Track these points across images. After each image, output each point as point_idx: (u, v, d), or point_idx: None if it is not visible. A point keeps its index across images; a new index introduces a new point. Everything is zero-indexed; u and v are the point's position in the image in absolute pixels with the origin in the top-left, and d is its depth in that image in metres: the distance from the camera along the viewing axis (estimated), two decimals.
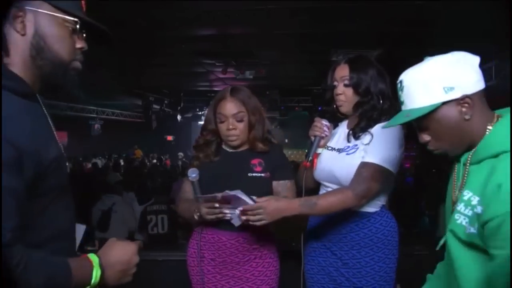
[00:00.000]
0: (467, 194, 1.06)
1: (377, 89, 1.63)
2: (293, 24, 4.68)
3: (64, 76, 1.04)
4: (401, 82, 1.12)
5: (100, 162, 11.48)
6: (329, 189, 1.69)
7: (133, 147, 14.22)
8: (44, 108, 1.06)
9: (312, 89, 9.93)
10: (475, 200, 1.02)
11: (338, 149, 1.69)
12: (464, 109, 1.04)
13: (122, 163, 10.35)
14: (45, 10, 0.99)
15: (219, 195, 1.52)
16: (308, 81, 8.88)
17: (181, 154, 13.98)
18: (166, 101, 11.50)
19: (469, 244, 1.04)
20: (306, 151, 1.80)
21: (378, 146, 1.58)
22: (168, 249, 3.18)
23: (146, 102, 10.80)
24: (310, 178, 1.75)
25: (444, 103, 1.05)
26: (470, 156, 1.10)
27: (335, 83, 1.68)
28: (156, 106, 11.29)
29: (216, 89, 9.75)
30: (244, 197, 1.48)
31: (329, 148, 1.73)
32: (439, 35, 4.69)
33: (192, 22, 4.68)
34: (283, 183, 1.73)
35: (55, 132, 1.08)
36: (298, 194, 1.74)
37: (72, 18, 1.01)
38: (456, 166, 1.17)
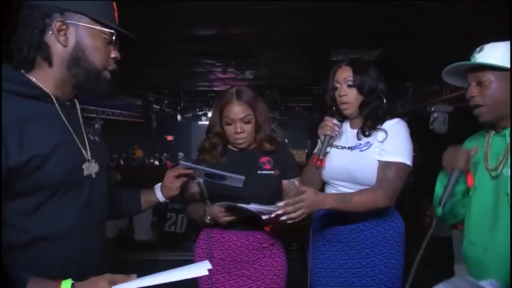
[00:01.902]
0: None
1: (379, 88, 1.66)
2: (293, 24, 4.67)
3: (96, 83, 1.12)
4: (482, 47, 1.34)
5: None
6: (340, 188, 1.69)
7: (133, 147, 14.21)
8: (59, 110, 1.08)
9: (312, 89, 9.93)
10: None
11: (349, 147, 1.69)
12: None
13: (122, 163, 10.34)
14: (85, 23, 1.07)
15: (239, 206, 1.49)
16: (308, 81, 8.87)
17: (181, 154, 13.95)
18: (166, 101, 11.48)
19: None
20: (316, 150, 1.80)
21: (396, 143, 1.59)
22: (169, 249, 3.16)
23: (146, 102, 10.77)
24: (317, 178, 1.76)
25: (510, 70, 1.26)
26: None
27: (337, 85, 1.69)
28: (156, 106, 11.26)
29: (216, 89, 9.72)
30: (262, 207, 1.45)
31: (339, 147, 1.73)
32: (439, 35, 4.69)
33: (192, 22, 4.67)
34: (293, 181, 1.74)
35: (72, 132, 1.09)
36: None
37: (109, 30, 1.10)
38: (490, 139, 1.38)
